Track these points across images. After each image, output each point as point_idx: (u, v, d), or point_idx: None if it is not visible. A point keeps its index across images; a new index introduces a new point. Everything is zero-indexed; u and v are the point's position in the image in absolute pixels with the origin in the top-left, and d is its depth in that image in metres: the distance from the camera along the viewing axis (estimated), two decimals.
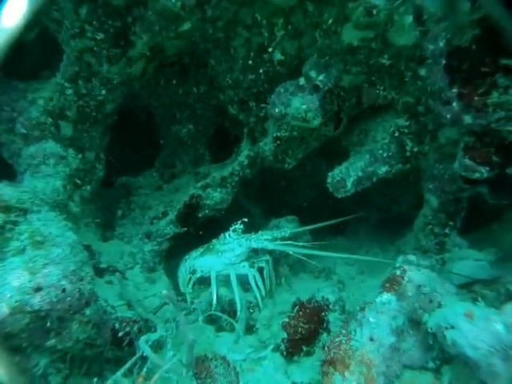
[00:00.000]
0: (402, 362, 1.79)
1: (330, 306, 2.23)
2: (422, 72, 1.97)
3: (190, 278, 2.76)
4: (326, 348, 1.75)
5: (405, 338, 1.83)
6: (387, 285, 1.88)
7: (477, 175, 1.97)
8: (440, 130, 2.21)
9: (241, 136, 3.10)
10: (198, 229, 2.99)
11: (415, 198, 3.50)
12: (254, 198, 3.81)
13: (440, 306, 1.82)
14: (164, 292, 1.65)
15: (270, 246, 2.52)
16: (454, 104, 1.79)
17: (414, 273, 1.85)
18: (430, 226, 2.63)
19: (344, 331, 1.77)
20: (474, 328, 1.45)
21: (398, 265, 1.94)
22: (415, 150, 2.42)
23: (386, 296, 1.85)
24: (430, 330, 1.72)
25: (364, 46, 2.09)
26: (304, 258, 2.51)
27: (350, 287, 2.97)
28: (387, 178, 2.58)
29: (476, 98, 1.67)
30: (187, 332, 1.55)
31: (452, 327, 1.55)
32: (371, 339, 1.72)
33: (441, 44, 1.66)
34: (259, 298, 2.53)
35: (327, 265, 3.32)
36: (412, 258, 1.95)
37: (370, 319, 1.77)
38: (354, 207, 3.40)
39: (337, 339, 1.74)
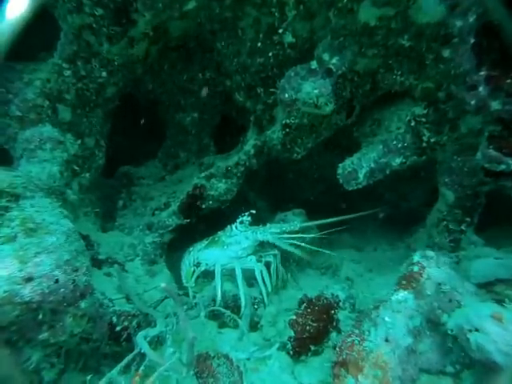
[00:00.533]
0: (418, 366, 1.67)
1: (340, 304, 2.11)
2: (446, 53, 1.81)
3: (194, 271, 2.64)
4: (337, 348, 1.63)
5: (422, 339, 1.70)
6: (404, 282, 1.75)
7: (502, 167, 1.84)
8: (461, 118, 2.07)
9: (247, 125, 2.97)
10: (202, 221, 2.87)
11: (426, 195, 3.38)
12: (259, 191, 3.69)
13: (460, 306, 1.70)
14: (163, 285, 1.53)
15: (276, 241, 2.40)
16: (481, 88, 1.65)
17: (434, 269, 1.72)
18: (445, 222, 2.51)
19: (357, 331, 1.65)
20: (504, 332, 1.32)
21: (415, 261, 1.81)
22: (432, 140, 2.28)
23: (402, 294, 1.72)
24: (450, 331, 1.61)
25: (382, 25, 1.94)
26: (318, 249, 2.39)
27: (358, 285, 2.85)
28: (398, 173, 2.45)
29: (508, 81, 1.54)
30: (187, 328, 1.44)
31: (477, 330, 1.43)
32: (386, 340, 1.60)
33: (470, 20, 1.51)
34: (265, 294, 2.41)
35: (334, 261, 3.21)
36: (431, 253, 1.81)
37: (386, 318, 1.65)
38: (362, 202, 3.27)
39: (349, 339, 1.62)
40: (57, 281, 1.63)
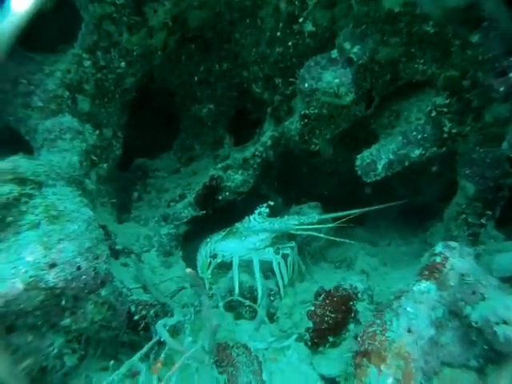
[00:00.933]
0: (440, 358, 1.64)
1: (359, 295, 2.08)
2: (475, 38, 1.76)
3: (210, 262, 2.64)
4: (358, 338, 1.61)
5: (444, 331, 1.67)
6: (426, 272, 1.72)
7: None
8: (487, 107, 2.01)
9: (263, 118, 2.95)
10: (218, 213, 2.86)
11: (440, 189, 3.32)
12: (274, 185, 3.67)
13: (483, 298, 1.66)
14: (188, 270, 1.52)
15: (295, 230, 2.39)
16: (511, 74, 1.60)
17: (458, 260, 1.69)
18: (464, 216, 2.46)
19: (378, 321, 1.63)
20: None
21: (437, 251, 1.78)
22: (454, 131, 2.23)
23: (424, 284, 1.69)
24: (474, 324, 1.56)
25: (406, 11, 1.89)
26: (338, 239, 2.37)
27: (373, 278, 2.83)
28: (412, 168, 2.41)
29: None
30: (211, 315, 1.43)
31: (505, 322, 1.39)
32: (409, 331, 1.57)
33: None
34: (281, 286, 2.40)
35: (348, 255, 3.19)
36: (454, 244, 1.78)
37: (408, 309, 1.62)
38: (376, 197, 3.23)
39: (370, 329, 1.60)
40: (79, 268, 1.64)
